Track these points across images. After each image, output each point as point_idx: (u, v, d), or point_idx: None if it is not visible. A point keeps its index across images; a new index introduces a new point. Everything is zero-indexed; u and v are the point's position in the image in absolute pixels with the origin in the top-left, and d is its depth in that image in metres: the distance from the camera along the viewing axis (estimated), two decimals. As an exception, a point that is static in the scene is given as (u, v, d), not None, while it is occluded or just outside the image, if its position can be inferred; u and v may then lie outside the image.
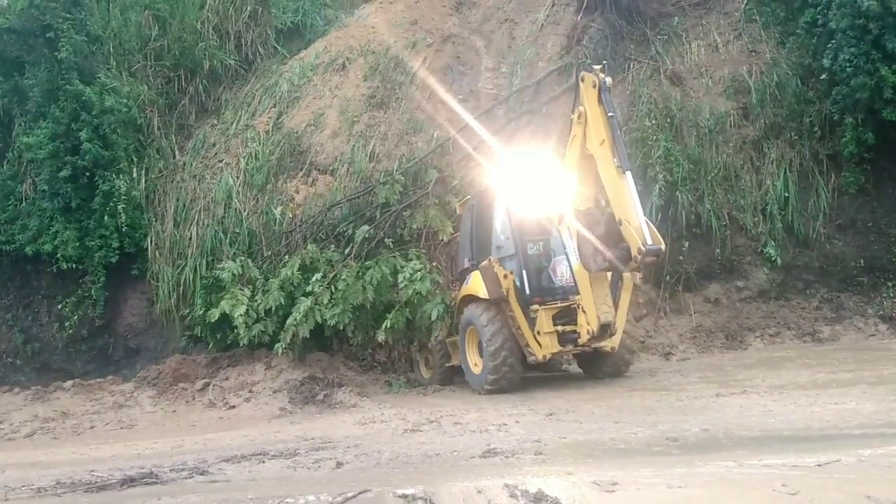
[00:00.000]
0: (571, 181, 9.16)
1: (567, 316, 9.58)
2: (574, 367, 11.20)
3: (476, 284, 9.97)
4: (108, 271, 12.65)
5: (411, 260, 10.73)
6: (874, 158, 12.29)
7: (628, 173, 8.27)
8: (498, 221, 10.44)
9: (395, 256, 10.83)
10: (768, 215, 12.42)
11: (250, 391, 10.49)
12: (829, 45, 11.67)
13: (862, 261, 12.46)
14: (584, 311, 9.15)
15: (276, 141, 13.25)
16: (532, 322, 9.64)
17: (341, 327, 10.54)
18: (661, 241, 8.24)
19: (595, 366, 10.31)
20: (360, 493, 5.06)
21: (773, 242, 12.38)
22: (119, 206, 12.53)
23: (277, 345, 10.47)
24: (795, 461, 4.98)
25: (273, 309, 10.82)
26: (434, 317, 10.34)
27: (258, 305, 10.88)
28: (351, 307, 10.41)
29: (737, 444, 5.88)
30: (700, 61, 13.22)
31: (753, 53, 13.20)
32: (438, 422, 8.12)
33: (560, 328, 9.54)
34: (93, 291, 12.60)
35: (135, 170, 13.19)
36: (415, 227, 11.54)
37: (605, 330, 9.00)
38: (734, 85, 12.88)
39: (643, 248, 7.95)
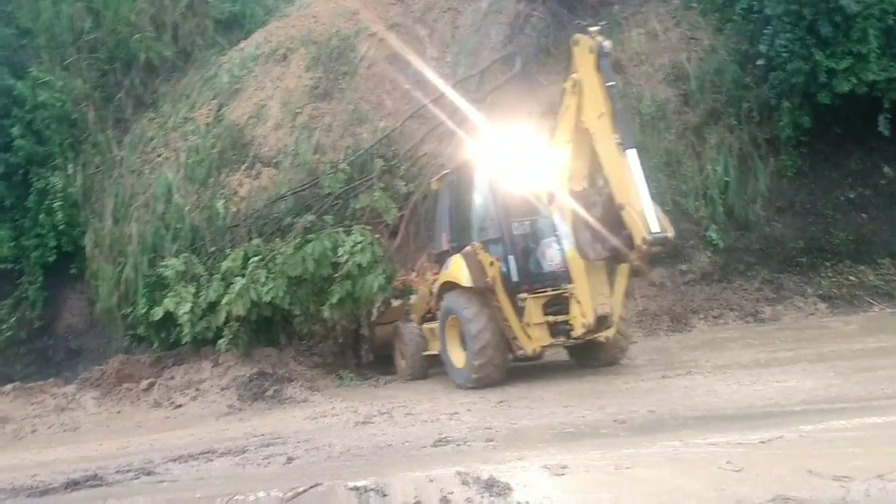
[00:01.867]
0: (562, 158, 8.22)
1: (558, 304, 8.72)
2: (560, 356, 10.42)
3: (457, 271, 9.12)
4: (45, 271, 12.32)
5: (352, 234, 10.52)
6: (810, 142, 12.63)
7: (631, 151, 7.31)
8: (481, 199, 9.60)
9: (337, 231, 10.62)
10: (709, 200, 12.67)
11: (197, 389, 10.31)
12: (766, 30, 11.92)
13: (801, 242, 12.80)
14: (578, 302, 8.27)
15: (217, 134, 13.01)
16: (520, 312, 8.81)
17: (278, 302, 10.29)
18: (669, 227, 7.30)
19: (588, 355, 9.50)
20: (311, 487, 5.02)
21: (714, 226, 12.64)
22: (55, 204, 12.20)
23: (221, 340, 10.30)
24: (739, 439, 5.10)
25: (215, 301, 10.62)
26: (375, 288, 10.17)
27: (202, 301, 10.68)
28: (287, 280, 10.20)
29: (682, 424, 6.00)
30: (640, 49, 13.39)
31: (692, 41, 13.42)
32: (390, 413, 8.10)
33: (551, 318, 8.71)
34: (30, 292, 12.25)
35: (70, 166, 12.84)
36: (358, 207, 11.41)
37: (602, 322, 8.21)
38: (674, 72, 13.08)
39: (648, 237, 7.06)
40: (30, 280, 12.21)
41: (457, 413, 7.63)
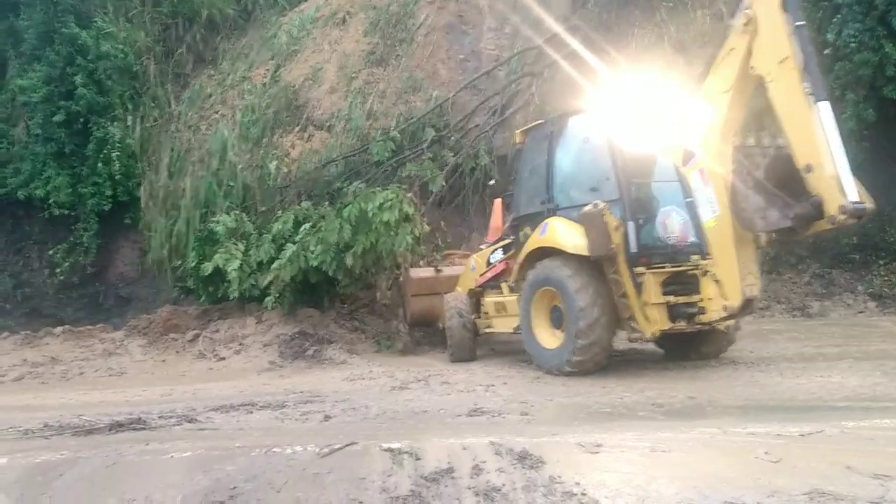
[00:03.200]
0: (714, 110, 6.99)
1: (678, 283, 7.58)
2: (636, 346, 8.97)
3: (559, 235, 7.98)
4: (100, 219, 12.60)
5: (384, 191, 10.45)
6: (873, 136, 12.24)
7: (824, 104, 6.12)
8: (592, 155, 8.32)
9: (373, 192, 10.54)
10: (765, 189, 12.36)
11: (240, 344, 10.53)
12: (835, 19, 11.54)
13: (855, 238, 12.47)
14: (717, 282, 7.09)
15: (272, 94, 13.10)
16: (638, 289, 7.61)
17: (325, 269, 10.39)
18: (867, 197, 6.23)
19: (688, 346, 8.34)
20: (346, 445, 5.11)
21: (768, 217, 12.33)
22: (113, 154, 12.43)
23: (267, 299, 10.47)
24: (779, 430, 5.03)
25: (264, 262, 10.79)
26: (402, 246, 10.13)
27: (251, 260, 10.86)
28: (333, 247, 10.29)
29: (722, 412, 5.95)
30: (705, 30, 13.05)
31: (759, 24, 13.05)
32: (426, 381, 8.18)
33: (671, 299, 7.53)
34: (85, 239, 12.55)
35: (129, 117, 13.05)
36: (405, 175, 11.40)
37: (748, 306, 7.11)
38: (737, 56, 12.74)
39: (847, 205, 5.97)
40: (85, 227, 12.50)
41: (493, 385, 7.67)
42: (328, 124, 12.77)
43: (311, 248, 10.39)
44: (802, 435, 4.92)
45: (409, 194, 10.69)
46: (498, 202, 9.91)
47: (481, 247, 10.13)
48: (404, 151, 11.99)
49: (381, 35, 13.70)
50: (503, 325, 9.24)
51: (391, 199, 10.21)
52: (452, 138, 12.24)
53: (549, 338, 8.17)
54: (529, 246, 8.40)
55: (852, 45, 11.30)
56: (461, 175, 11.76)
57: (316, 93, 13.12)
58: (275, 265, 10.43)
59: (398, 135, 12.05)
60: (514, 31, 13.64)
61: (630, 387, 7.14)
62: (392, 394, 7.67)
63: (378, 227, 10.14)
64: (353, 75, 13.19)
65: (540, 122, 9.29)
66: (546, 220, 8.26)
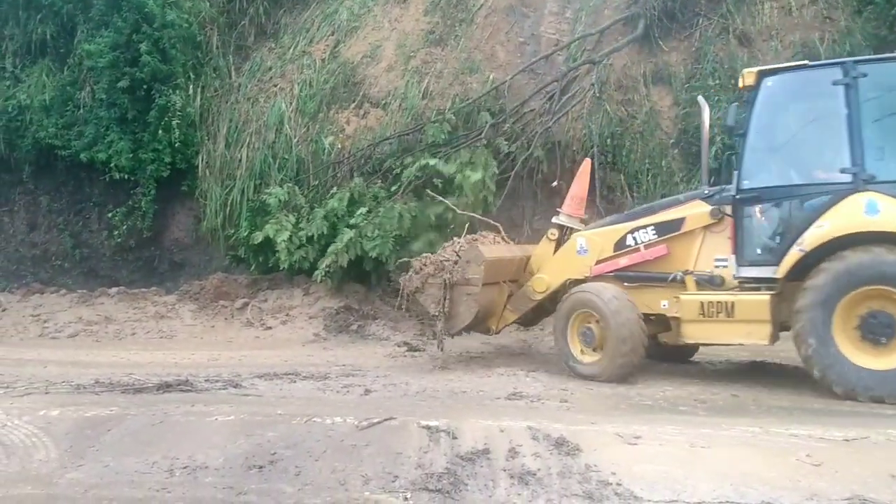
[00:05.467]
0: None
1: None
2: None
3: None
4: (158, 185, 12.85)
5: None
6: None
7: None
8: None
9: (442, 201, 10.48)
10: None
11: (287, 315, 10.72)
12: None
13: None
14: None
15: (331, 70, 13.16)
16: None
17: (382, 259, 10.55)
18: None
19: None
20: (385, 419, 5.21)
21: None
22: (174, 122, 12.63)
23: (317, 272, 10.60)
24: (822, 434, 4.95)
25: (315, 237, 10.93)
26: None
27: (301, 232, 11.00)
28: (392, 237, 10.40)
29: (765, 412, 5.86)
30: (771, 23, 12.68)
31: (828, 20, 12.63)
32: (468, 362, 8.23)
33: None
34: (143, 203, 12.83)
35: (191, 87, 13.26)
36: (459, 162, 11.37)
37: None
38: (804, 51, 12.37)
39: None
40: (143, 192, 12.76)
41: (534, 371, 7.68)
42: (384, 102, 12.78)
43: (368, 234, 10.49)
44: (846, 440, 4.84)
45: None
46: (586, 165, 8.30)
47: (556, 218, 8.13)
48: (459, 135, 11.96)
49: (441, 14, 13.64)
50: (720, 334, 6.89)
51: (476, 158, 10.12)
52: (507, 124, 12.16)
53: (857, 353, 6.17)
54: (841, 229, 6.22)
55: (926, 44, 10.89)
56: (513, 161, 11.70)
57: (373, 70, 13.15)
58: (332, 248, 10.53)
59: (453, 116, 12.02)
60: (576, 16, 13.47)
61: (673, 381, 7.09)
62: (433, 373, 7.75)
63: (466, 190, 10.06)
64: (412, 54, 13.17)
65: (807, 62, 7.19)
66: (865, 196, 6.22)
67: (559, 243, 8.00)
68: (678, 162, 11.73)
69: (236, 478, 4.58)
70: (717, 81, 11.90)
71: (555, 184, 11.57)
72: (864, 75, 6.43)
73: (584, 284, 7.36)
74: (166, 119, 12.61)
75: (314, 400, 6.32)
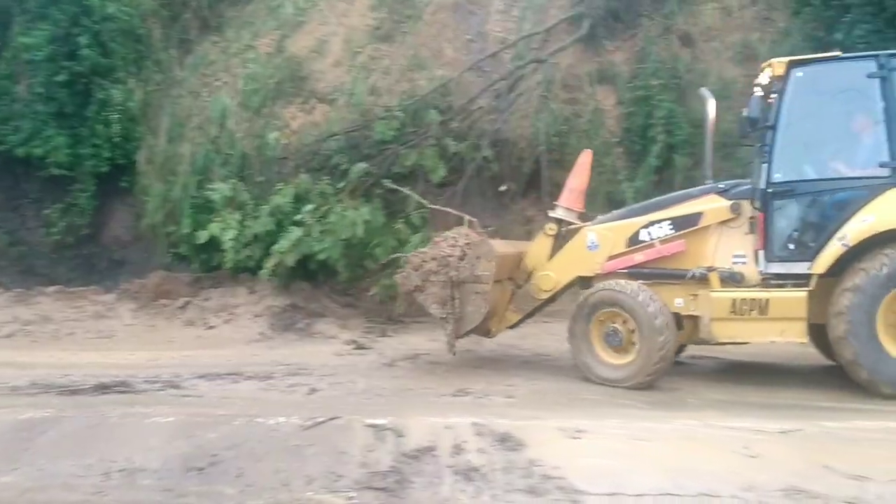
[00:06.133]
0: None
1: None
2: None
3: None
4: (97, 181, 12.52)
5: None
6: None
7: None
8: None
9: (395, 224, 10.55)
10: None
11: (231, 313, 10.53)
12: (844, 18, 11.46)
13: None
14: None
15: (276, 64, 12.97)
16: None
17: (330, 263, 10.50)
18: None
19: None
20: (330, 419, 5.17)
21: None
22: (113, 117, 12.33)
23: (263, 270, 10.45)
24: (759, 426, 5.09)
25: (261, 235, 10.76)
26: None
27: (247, 230, 10.83)
28: (342, 242, 10.32)
29: (704, 406, 6.00)
30: (713, 24, 12.97)
31: (767, 21, 12.97)
32: (414, 359, 8.22)
33: None
34: (81, 200, 12.49)
35: (132, 81, 12.94)
36: (407, 164, 11.36)
37: None
38: (744, 52, 12.68)
39: None
40: (82, 188, 12.42)
41: (480, 367, 7.71)
42: (330, 98, 12.66)
43: (315, 235, 10.36)
44: (782, 432, 4.98)
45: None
46: (586, 157, 7.92)
47: (553, 212, 7.71)
48: (406, 132, 11.91)
49: (388, 10, 13.56)
50: (752, 333, 6.69)
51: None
52: (455, 122, 12.17)
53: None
54: (888, 223, 6.10)
55: (860, 45, 11.24)
56: (462, 161, 11.71)
57: (320, 65, 13.01)
58: (277, 247, 10.35)
59: (401, 113, 11.97)
60: (522, 15, 13.55)
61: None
62: (380, 370, 7.72)
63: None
64: (359, 50, 13.07)
65: (839, 54, 7.13)
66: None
67: (557, 238, 7.61)
68: (622, 160, 11.93)
69: (175, 480, 4.50)
70: (661, 81, 12.10)
71: (503, 187, 11.65)
72: None
73: (608, 282, 6.92)
74: (106, 114, 12.29)
75: (257, 400, 6.24)
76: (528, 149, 11.79)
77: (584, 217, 7.80)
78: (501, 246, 7.44)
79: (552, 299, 7.63)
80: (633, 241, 7.12)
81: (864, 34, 11.11)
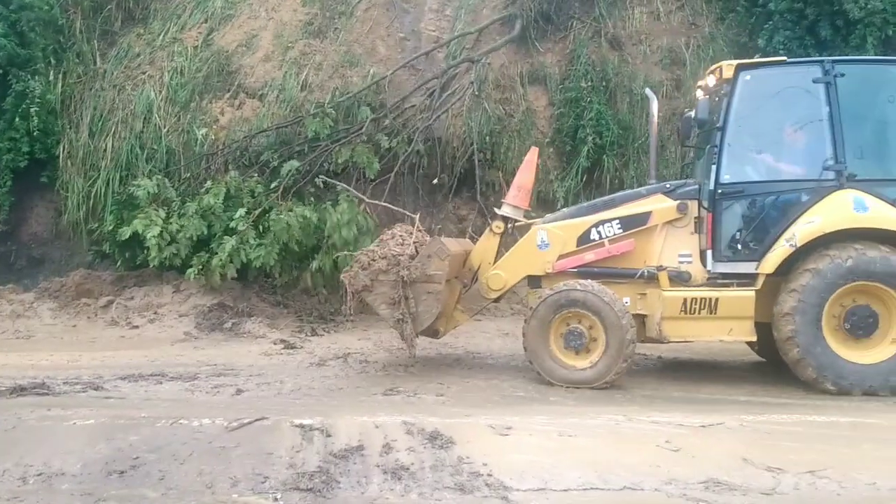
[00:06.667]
0: None
1: None
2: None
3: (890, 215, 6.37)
4: (15, 176, 12.02)
5: (340, 204, 10.35)
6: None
7: None
8: None
9: (325, 206, 10.34)
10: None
11: (155, 313, 10.26)
12: (766, 25, 11.89)
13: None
14: None
15: (204, 58, 12.68)
16: None
17: (267, 269, 10.36)
18: None
19: None
20: (256, 419, 5.09)
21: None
22: (32, 109, 11.85)
23: (189, 270, 10.19)
24: (681, 420, 5.23)
25: (188, 233, 10.49)
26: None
27: (172, 228, 10.55)
28: (278, 247, 10.14)
29: (629, 401, 6.14)
30: (641, 28, 13.26)
31: (693, 26, 13.34)
32: (345, 358, 8.16)
33: None
34: (-3, 196, 11.98)
35: (52, 73, 12.46)
36: (340, 161, 11.26)
37: None
38: (671, 55, 13.03)
39: None
40: (-2, 183, 11.94)
41: (411, 367, 7.70)
42: (260, 93, 12.44)
43: (251, 242, 10.16)
44: (703, 426, 5.13)
45: (363, 204, 10.04)
46: (533, 154, 7.82)
47: (500, 210, 7.62)
48: (339, 129, 11.81)
49: (319, 6, 13.39)
50: (702, 332, 6.80)
51: (349, 215, 9.88)
52: (388, 119, 12.12)
53: (844, 349, 6.37)
54: (833, 224, 6.36)
55: (781, 51, 11.67)
56: (395, 157, 11.68)
57: (249, 60, 12.77)
58: (215, 261, 10.06)
59: (333, 110, 11.85)
60: (455, 14, 13.60)
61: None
62: (309, 370, 7.64)
63: (336, 244, 9.79)
64: (290, 45, 12.88)
65: (786, 59, 7.30)
66: (850, 193, 6.46)
67: (503, 236, 7.56)
68: (553, 160, 12.09)
69: (95, 484, 4.35)
70: (590, 83, 12.32)
71: (436, 181, 11.66)
72: (842, 75, 6.64)
73: (570, 282, 6.81)
74: (24, 106, 11.80)
75: (181, 401, 6.09)
76: (460, 147, 11.84)
77: (529, 215, 7.85)
78: (451, 244, 7.31)
79: (499, 299, 7.64)
80: (584, 240, 7.15)
81: (784, 40, 11.56)
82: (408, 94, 12.35)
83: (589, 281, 6.78)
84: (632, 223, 7.04)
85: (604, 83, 12.46)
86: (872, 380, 6.27)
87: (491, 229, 7.58)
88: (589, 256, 7.09)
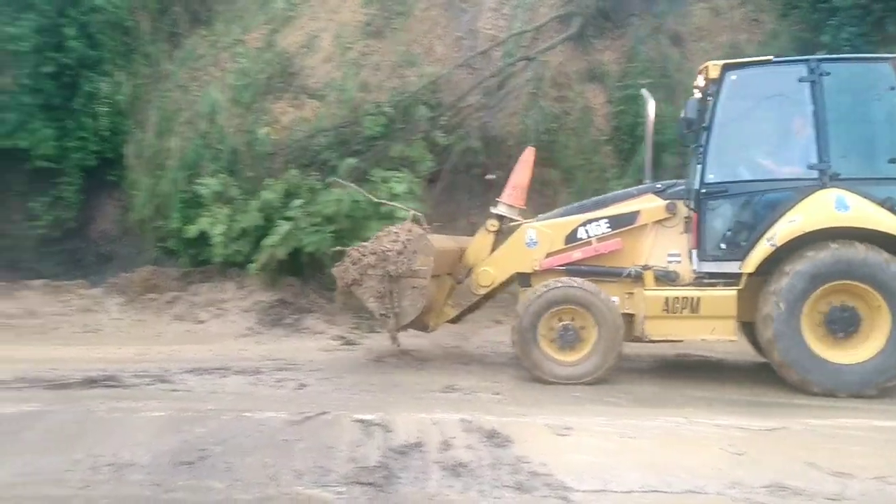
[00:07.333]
0: None
1: None
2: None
3: (871, 213, 6.29)
4: (84, 174, 12.45)
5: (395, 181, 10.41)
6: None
7: None
8: None
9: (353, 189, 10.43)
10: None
11: (219, 308, 10.52)
12: (831, 21, 11.57)
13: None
14: None
15: (266, 59, 12.93)
16: None
17: (318, 255, 10.49)
18: None
19: None
20: (318, 414, 5.18)
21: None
22: (101, 110, 12.27)
23: (251, 265, 10.44)
24: (744, 424, 5.14)
25: (249, 230, 10.74)
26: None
27: (236, 225, 10.81)
28: (330, 235, 10.28)
29: (689, 403, 6.05)
30: (702, 24, 13.05)
31: (755, 22, 13.06)
32: (402, 356, 8.22)
33: None
34: (68, 193, 12.42)
35: (120, 74, 12.87)
36: (394, 156, 11.34)
37: None
38: (732, 52, 12.76)
39: None
40: (68, 181, 12.36)
41: (468, 364, 7.75)
42: (320, 93, 12.65)
43: (305, 227, 10.34)
44: (767, 430, 5.03)
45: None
46: (529, 154, 7.92)
47: (493, 209, 7.77)
48: (396, 128, 11.92)
49: (379, 6, 13.57)
50: (684, 331, 6.86)
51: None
52: (444, 118, 12.18)
53: (830, 351, 6.30)
54: (814, 224, 6.28)
55: (846, 48, 11.36)
56: (450, 154, 11.73)
57: (310, 61, 12.98)
58: (268, 241, 10.32)
59: (390, 109, 11.97)
60: (513, 13, 13.58)
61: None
62: (368, 366, 7.74)
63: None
64: (349, 46, 13.06)
65: (772, 58, 6.99)
66: (833, 193, 6.38)
67: (499, 234, 7.70)
68: (611, 158, 11.98)
69: (164, 475, 4.48)
70: (649, 80, 12.14)
71: (490, 175, 11.64)
72: (828, 74, 6.59)
73: (562, 279, 6.91)
74: (93, 106, 12.22)
75: (245, 395, 6.24)
76: (516, 146, 11.79)
77: (526, 214, 7.92)
78: (441, 241, 7.51)
79: (490, 295, 7.77)
80: (571, 238, 7.27)
81: (850, 37, 11.24)
82: (464, 93, 12.39)
83: (579, 278, 6.89)
84: (620, 222, 7.14)
85: (664, 80, 12.29)
86: (858, 380, 6.21)
87: (485, 227, 7.75)
88: (576, 255, 7.20)
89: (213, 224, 10.63)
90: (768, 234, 6.45)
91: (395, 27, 13.45)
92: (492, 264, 7.52)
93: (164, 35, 13.70)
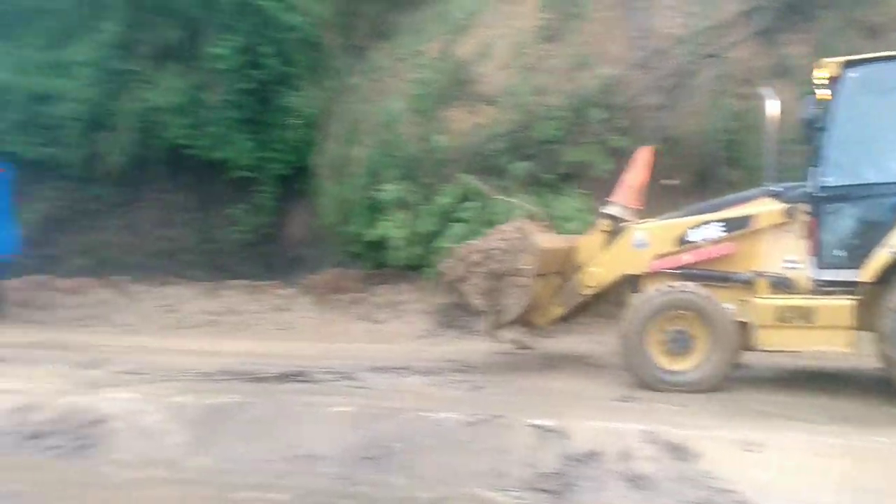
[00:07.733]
0: None
1: None
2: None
3: None
4: (278, 183, 13.33)
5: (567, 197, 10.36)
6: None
7: None
8: None
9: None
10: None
11: (398, 309, 10.93)
12: None
13: None
14: None
15: (443, 69, 13.25)
16: None
17: None
18: None
19: None
20: (494, 417, 5.24)
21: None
22: (293, 122, 13.08)
23: (428, 269, 10.74)
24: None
25: (427, 234, 11.07)
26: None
27: (413, 229, 11.18)
28: None
29: (892, 422, 5.53)
30: (898, 13, 11.94)
31: (964, 8, 11.78)
32: (576, 361, 8.16)
33: None
34: (264, 201, 13.35)
35: (309, 88, 13.67)
36: (567, 160, 11.25)
37: None
38: (936, 43, 11.60)
39: None
40: (264, 190, 13.33)
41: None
42: (495, 100, 12.79)
43: (477, 230, 10.51)
44: None
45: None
46: (645, 153, 7.84)
47: (606, 210, 7.58)
48: (571, 131, 11.83)
49: (555, 11, 13.52)
50: (798, 341, 6.49)
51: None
52: (620, 120, 11.93)
53: None
54: None
55: None
56: (627, 156, 11.47)
57: (485, 68, 13.14)
58: (441, 242, 10.58)
59: (565, 113, 11.90)
60: (691, 10, 13.05)
61: (781, 387, 6.80)
62: (543, 371, 7.73)
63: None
64: (524, 51, 13.10)
65: (893, 53, 6.56)
66: None
67: (611, 235, 7.47)
68: (800, 157, 11.20)
69: (350, 468, 4.73)
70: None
71: (672, 181, 11.25)
72: None
73: (676, 283, 6.69)
74: (287, 119, 13.05)
75: (424, 394, 6.43)
76: (697, 146, 11.36)
77: (642, 215, 7.65)
78: (551, 240, 7.50)
79: (599, 296, 7.57)
80: (682, 240, 6.99)
81: None
82: (641, 93, 12.08)
83: (693, 284, 6.64)
84: (734, 226, 6.79)
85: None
86: None
87: (598, 227, 7.58)
88: (686, 258, 6.93)
89: (393, 229, 11.05)
90: (889, 241, 5.93)
91: (570, 30, 13.33)
92: (599, 265, 7.37)
93: (349, 49, 14.38)
